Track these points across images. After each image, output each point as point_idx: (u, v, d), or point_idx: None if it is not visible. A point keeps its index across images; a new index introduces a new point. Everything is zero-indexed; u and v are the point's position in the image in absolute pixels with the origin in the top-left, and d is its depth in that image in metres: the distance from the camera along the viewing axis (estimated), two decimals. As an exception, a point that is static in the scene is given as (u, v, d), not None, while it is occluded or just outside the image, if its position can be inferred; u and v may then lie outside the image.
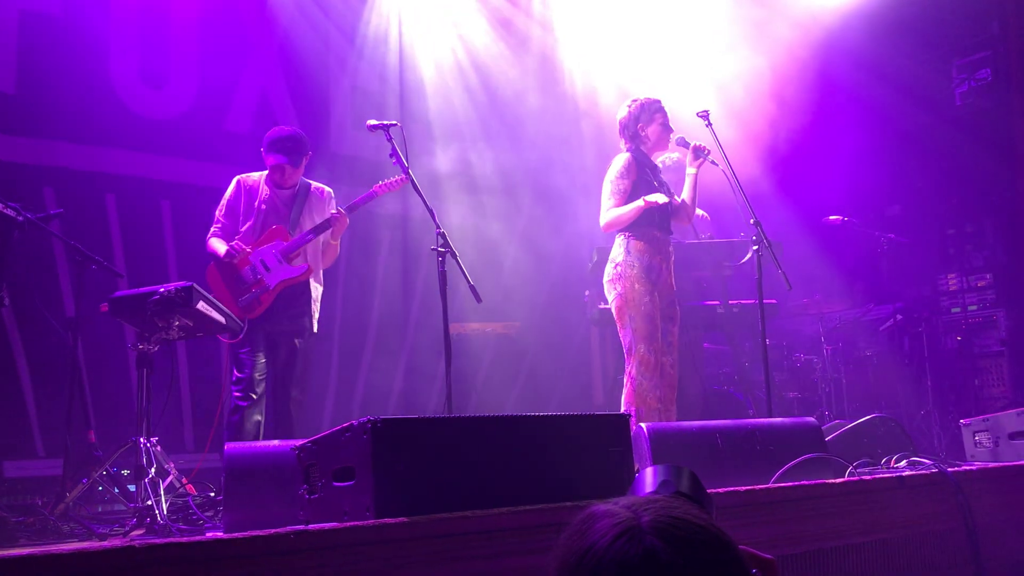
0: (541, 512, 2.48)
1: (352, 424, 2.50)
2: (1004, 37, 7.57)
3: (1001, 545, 3.62)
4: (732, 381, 6.81)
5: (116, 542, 3.19)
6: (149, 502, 3.53)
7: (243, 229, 4.85)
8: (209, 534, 3.13)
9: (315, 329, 4.99)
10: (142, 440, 3.81)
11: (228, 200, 4.93)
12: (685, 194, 4.97)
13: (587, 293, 6.59)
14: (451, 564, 2.31)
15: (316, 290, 5.00)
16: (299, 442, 2.88)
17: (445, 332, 4.11)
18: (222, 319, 4.21)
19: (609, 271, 4.83)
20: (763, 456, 3.56)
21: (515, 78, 7.95)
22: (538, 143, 8.00)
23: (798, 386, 7.18)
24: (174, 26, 6.45)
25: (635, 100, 4.97)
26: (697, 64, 7.78)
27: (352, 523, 2.27)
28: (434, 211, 4.27)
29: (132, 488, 3.90)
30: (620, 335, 4.79)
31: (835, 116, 8.27)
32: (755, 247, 4.64)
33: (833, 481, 3.37)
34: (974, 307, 7.37)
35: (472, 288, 4.15)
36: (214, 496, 4.04)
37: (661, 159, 5.34)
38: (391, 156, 4.38)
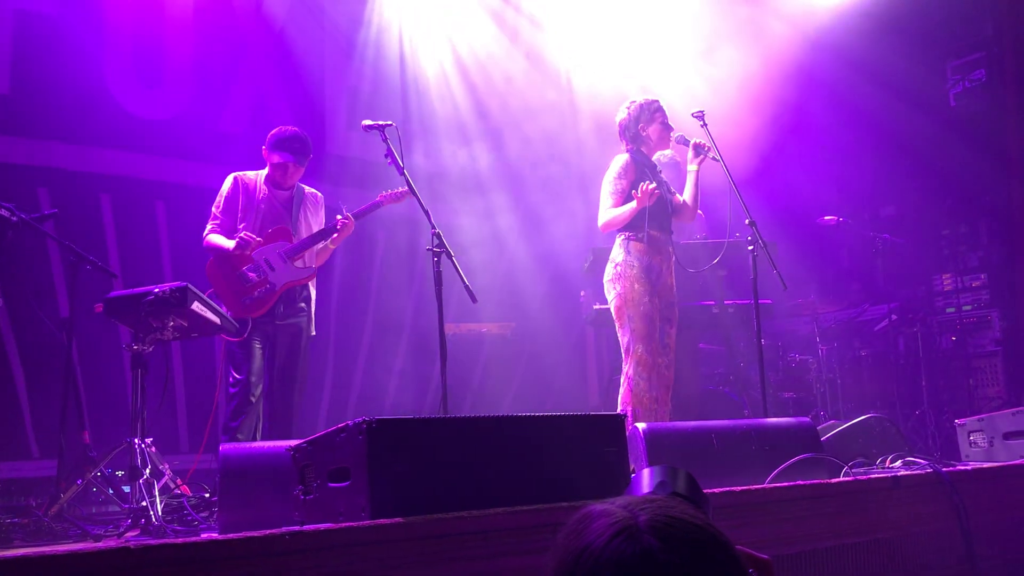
0: (537, 512, 2.48)
1: (347, 424, 2.50)
2: (998, 38, 7.59)
3: (996, 545, 3.63)
4: (727, 381, 6.83)
5: (111, 543, 3.18)
6: (144, 503, 3.52)
7: (241, 227, 4.83)
8: (204, 535, 3.12)
9: (313, 332, 4.99)
10: (137, 441, 3.80)
11: (227, 196, 4.87)
12: (687, 192, 4.97)
13: (583, 293, 6.59)
14: (447, 565, 2.31)
15: (313, 292, 5.01)
16: (294, 443, 2.88)
17: (440, 332, 4.11)
18: (217, 320, 4.19)
19: (609, 271, 4.83)
20: (759, 456, 3.57)
21: (512, 77, 7.95)
22: (534, 143, 8.00)
23: (793, 386, 7.20)
24: (169, 26, 6.43)
25: (633, 101, 4.99)
26: (690, 64, 7.80)
27: (347, 524, 2.27)
28: (429, 211, 4.26)
29: (127, 489, 3.88)
30: (618, 335, 4.79)
31: (830, 117, 8.29)
32: (751, 247, 4.64)
33: (828, 481, 3.38)
34: (968, 307, 7.39)
35: (467, 288, 4.14)
36: (209, 497, 4.03)
37: (655, 157, 5.34)
38: (386, 156, 4.37)
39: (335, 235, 4.89)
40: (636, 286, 4.71)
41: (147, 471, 3.68)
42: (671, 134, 4.94)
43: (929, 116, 7.78)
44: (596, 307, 5.98)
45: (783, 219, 7.53)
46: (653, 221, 4.77)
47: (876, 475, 3.57)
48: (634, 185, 4.74)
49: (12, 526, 3.65)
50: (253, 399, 4.66)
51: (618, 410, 4.68)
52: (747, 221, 4.63)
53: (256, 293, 4.72)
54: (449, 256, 4.16)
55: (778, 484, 3.26)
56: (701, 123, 4.82)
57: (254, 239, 4.69)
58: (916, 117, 7.75)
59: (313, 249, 4.97)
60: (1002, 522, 3.69)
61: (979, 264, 7.57)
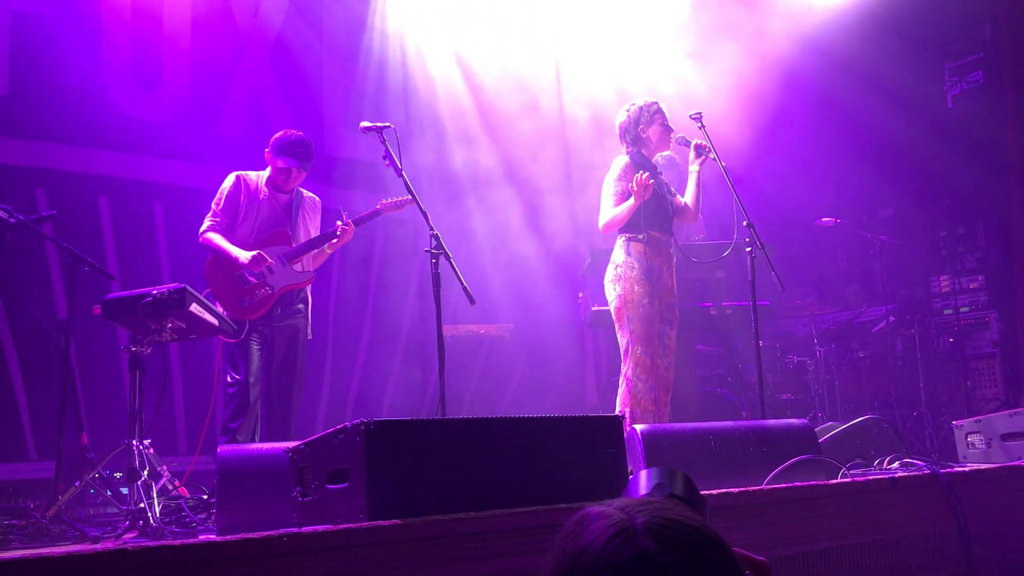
0: (535, 514, 2.48)
1: (345, 426, 2.50)
2: (996, 40, 7.60)
3: (993, 546, 3.63)
4: (725, 383, 6.83)
5: (109, 545, 3.18)
6: (142, 505, 3.51)
7: (240, 227, 4.83)
8: (202, 537, 3.12)
9: (310, 335, 4.99)
10: (135, 442, 3.79)
11: (228, 194, 4.85)
12: (689, 193, 4.97)
13: (581, 295, 6.60)
14: (445, 566, 2.31)
15: (309, 295, 5.01)
16: (292, 444, 2.88)
17: (439, 334, 4.11)
18: (215, 321, 4.19)
19: (610, 272, 4.84)
20: (756, 458, 3.57)
21: (510, 78, 7.95)
22: (532, 144, 8.00)
23: (791, 388, 7.20)
24: (166, 27, 6.43)
25: (633, 103, 5.00)
26: (688, 65, 7.81)
27: (346, 525, 2.27)
28: (427, 212, 4.26)
29: (125, 491, 3.87)
30: (618, 336, 4.80)
31: (827, 118, 8.30)
32: (748, 249, 4.65)
33: (826, 483, 3.38)
34: (966, 309, 7.40)
35: (466, 290, 4.14)
36: (207, 498, 4.03)
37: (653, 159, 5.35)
38: (384, 158, 4.36)
39: (334, 240, 4.89)
40: (636, 287, 4.71)
41: (145, 473, 3.67)
42: (672, 135, 4.95)
43: (927, 118, 7.80)
44: (594, 308, 5.99)
45: (781, 221, 7.55)
46: (654, 222, 4.77)
47: (874, 476, 3.57)
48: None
49: (10, 528, 3.64)
50: (252, 400, 4.66)
51: (616, 411, 4.68)
52: (745, 223, 4.63)
53: (254, 296, 4.72)
54: (447, 257, 4.16)
55: (776, 486, 3.26)
56: (699, 125, 4.83)
57: (268, 260, 4.70)
58: (913, 119, 7.77)
59: (311, 253, 4.97)
60: (1000, 523, 3.69)
61: (977, 266, 7.58)
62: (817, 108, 8.26)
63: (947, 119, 7.84)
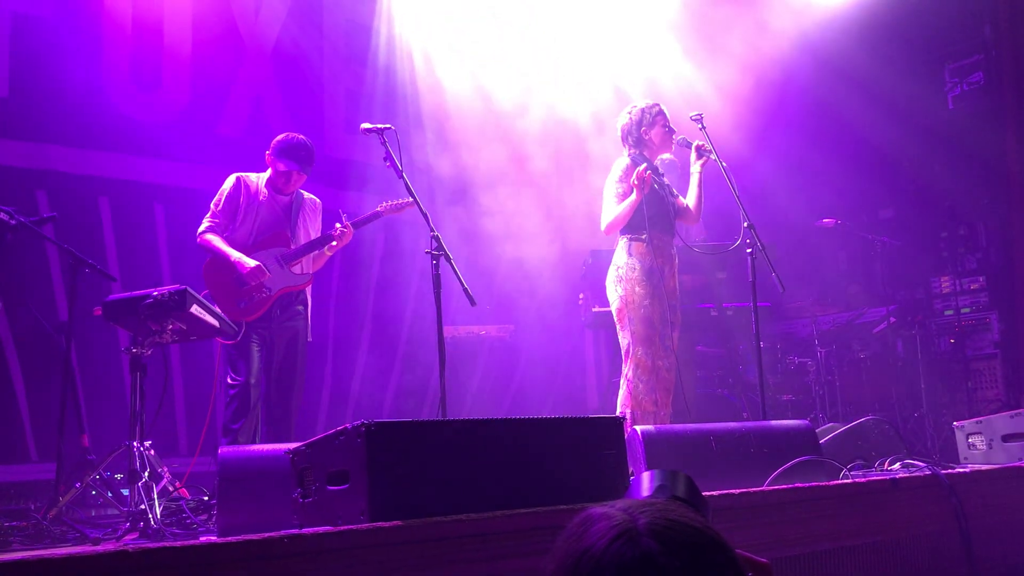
0: (536, 515, 2.48)
1: (346, 428, 2.49)
2: (996, 41, 7.60)
3: (994, 547, 3.63)
4: (726, 384, 6.83)
5: (109, 546, 3.18)
6: (142, 506, 3.51)
7: (239, 228, 4.83)
8: (203, 538, 3.12)
9: (309, 336, 4.99)
10: (135, 444, 3.79)
11: (228, 195, 4.85)
12: (691, 194, 4.97)
13: (582, 296, 6.59)
14: (446, 567, 2.31)
15: (308, 297, 5.01)
16: (293, 445, 2.88)
17: (439, 335, 4.11)
18: (215, 322, 4.19)
19: (611, 273, 4.84)
20: (757, 459, 3.57)
21: (510, 78, 7.95)
22: (532, 144, 8.00)
23: (792, 389, 7.20)
24: (167, 28, 6.43)
25: (634, 105, 5.00)
26: (690, 66, 7.81)
27: (346, 527, 2.27)
28: (428, 214, 4.26)
29: (125, 492, 3.87)
30: (619, 337, 4.80)
31: (828, 119, 8.30)
32: (749, 250, 4.65)
33: (827, 484, 3.38)
34: (967, 309, 7.40)
35: (466, 291, 4.14)
36: (208, 500, 4.03)
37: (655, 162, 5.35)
38: (385, 160, 4.36)
39: (333, 243, 4.89)
40: (638, 289, 4.71)
41: (146, 474, 3.68)
42: (673, 137, 4.95)
43: (927, 119, 7.80)
44: (595, 309, 5.99)
45: (782, 221, 7.54)
46: (655, 223, 4.77)
47: (875, 477, 3.57)
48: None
49: (11, 529, 3.64)
50: (253, 401, 4.66)
51: (617, 412, 4.68)
52: (745, 224, 4.63)
53: (252, 298, 4.72)
54: (448, 259, 4.16)
55: (777, 487, 3.26)
56: (700, 126, 4.83)
57: (266, 273, 4.70)
58: (914, 120, 7.77)
59: (310, 255, 4.97)
60: (1001, 524, 3.69)
61: (977, 267, 7.58)
62: (817, 109, 8.26)
63: (948, 120, 7.84)
